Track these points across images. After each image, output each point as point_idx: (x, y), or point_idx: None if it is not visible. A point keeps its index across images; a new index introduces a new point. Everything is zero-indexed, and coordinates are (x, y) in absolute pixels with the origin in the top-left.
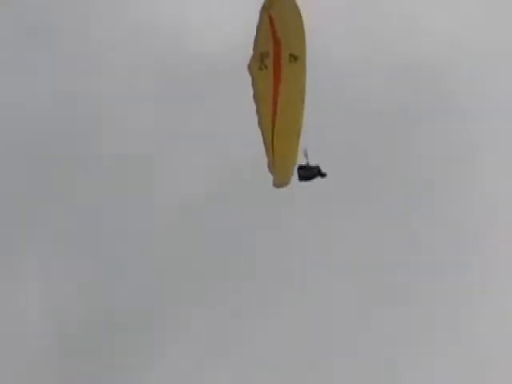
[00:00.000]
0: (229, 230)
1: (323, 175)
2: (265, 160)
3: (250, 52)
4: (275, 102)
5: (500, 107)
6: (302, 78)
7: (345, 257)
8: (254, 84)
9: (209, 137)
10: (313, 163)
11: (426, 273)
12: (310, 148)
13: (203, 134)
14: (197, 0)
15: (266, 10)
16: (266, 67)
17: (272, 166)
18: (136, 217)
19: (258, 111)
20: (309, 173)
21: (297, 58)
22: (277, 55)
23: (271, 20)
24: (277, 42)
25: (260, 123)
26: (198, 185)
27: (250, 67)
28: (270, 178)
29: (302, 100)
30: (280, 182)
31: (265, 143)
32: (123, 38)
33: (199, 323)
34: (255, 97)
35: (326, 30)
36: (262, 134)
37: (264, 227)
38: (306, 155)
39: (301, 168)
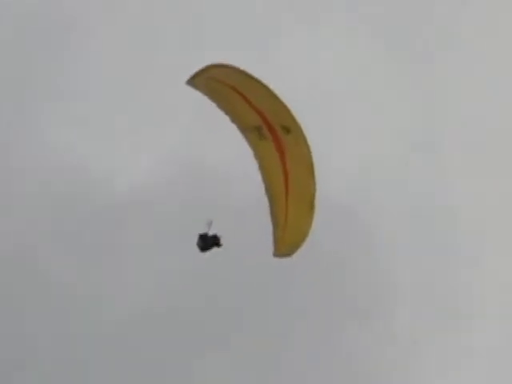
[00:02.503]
0: None
1: (219, 245)
2: None
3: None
4: (285, 173)
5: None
6: (304, 150)
7: None
8: (256, 155)
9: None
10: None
11: None
12: None
13: None
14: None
15: (210, 80)
16: (266, 138)
17: (280, 236)
18: None
19: (264, 180)
20: (205, 242)
21: (289, 130)
22: (270, 127)
23: (239, 92)
24: (261, 114)
25: (268, 192)
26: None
27: (247, 139)
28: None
29: (311, 172)
30: (285, 252)
31: (272, 211)
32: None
33: None
34: (260, 167)
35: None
36: (270, 203)
37: None
38: (209, 225)
39: (200, 237)
